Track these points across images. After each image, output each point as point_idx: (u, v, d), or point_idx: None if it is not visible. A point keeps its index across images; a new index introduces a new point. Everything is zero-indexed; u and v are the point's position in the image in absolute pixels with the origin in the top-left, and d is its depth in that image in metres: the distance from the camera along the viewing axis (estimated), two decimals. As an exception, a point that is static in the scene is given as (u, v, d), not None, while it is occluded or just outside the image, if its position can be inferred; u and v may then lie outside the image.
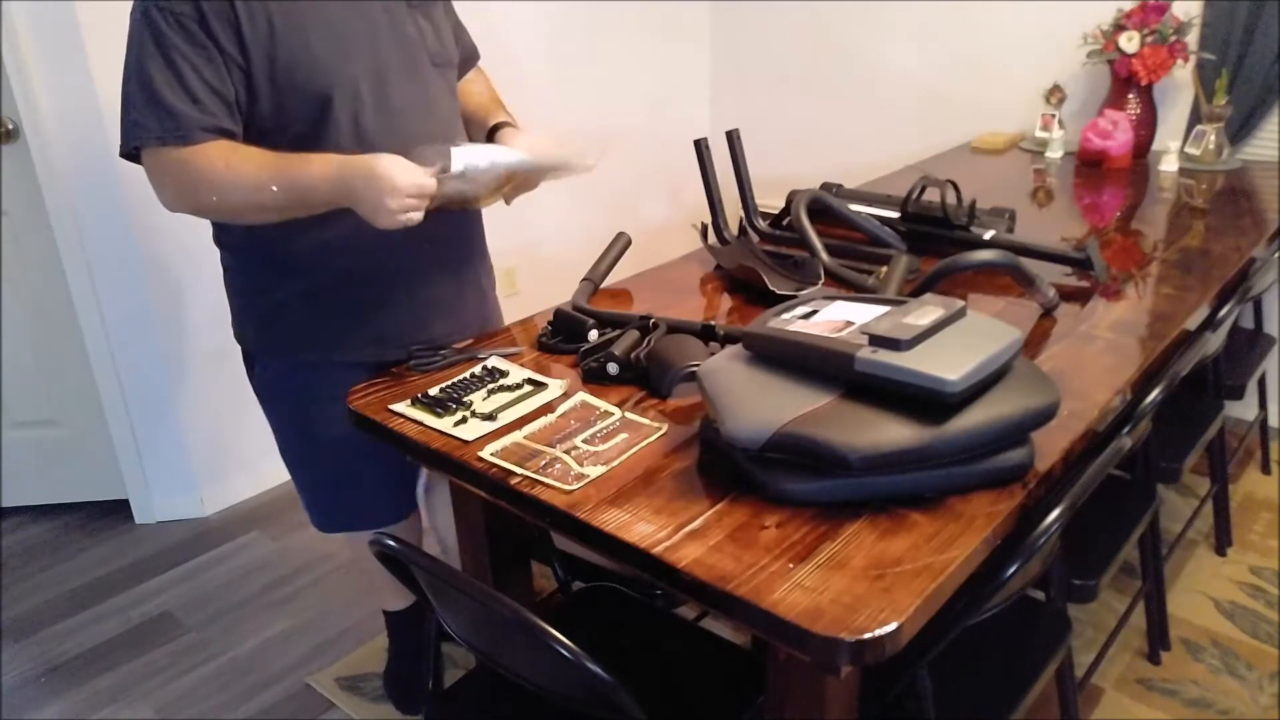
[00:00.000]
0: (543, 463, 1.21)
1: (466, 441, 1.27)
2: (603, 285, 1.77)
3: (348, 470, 1.63)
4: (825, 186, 2.23)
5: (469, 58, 1.70)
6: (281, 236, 1.44)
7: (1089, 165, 2.68)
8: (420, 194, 1.27)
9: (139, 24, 1.31)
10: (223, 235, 1.54)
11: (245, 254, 1.53)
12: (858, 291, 1.67)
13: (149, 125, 1.30)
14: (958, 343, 1.13)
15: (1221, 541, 2.35)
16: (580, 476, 1.17)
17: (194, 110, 1.30)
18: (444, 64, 1.55)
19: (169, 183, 1.36)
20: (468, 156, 1.34)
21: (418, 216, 1.30)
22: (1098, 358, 1.46)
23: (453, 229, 1.57)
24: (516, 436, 1.27)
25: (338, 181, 1.28)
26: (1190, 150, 2.66)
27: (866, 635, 0.90)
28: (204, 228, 2.48)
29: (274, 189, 1.30)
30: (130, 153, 1.36)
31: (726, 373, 1.20)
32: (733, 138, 2.05)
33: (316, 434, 1.59)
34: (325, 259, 1.48)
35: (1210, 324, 1.74)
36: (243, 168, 1.31)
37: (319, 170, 1.30)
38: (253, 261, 1.53)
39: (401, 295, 1.53)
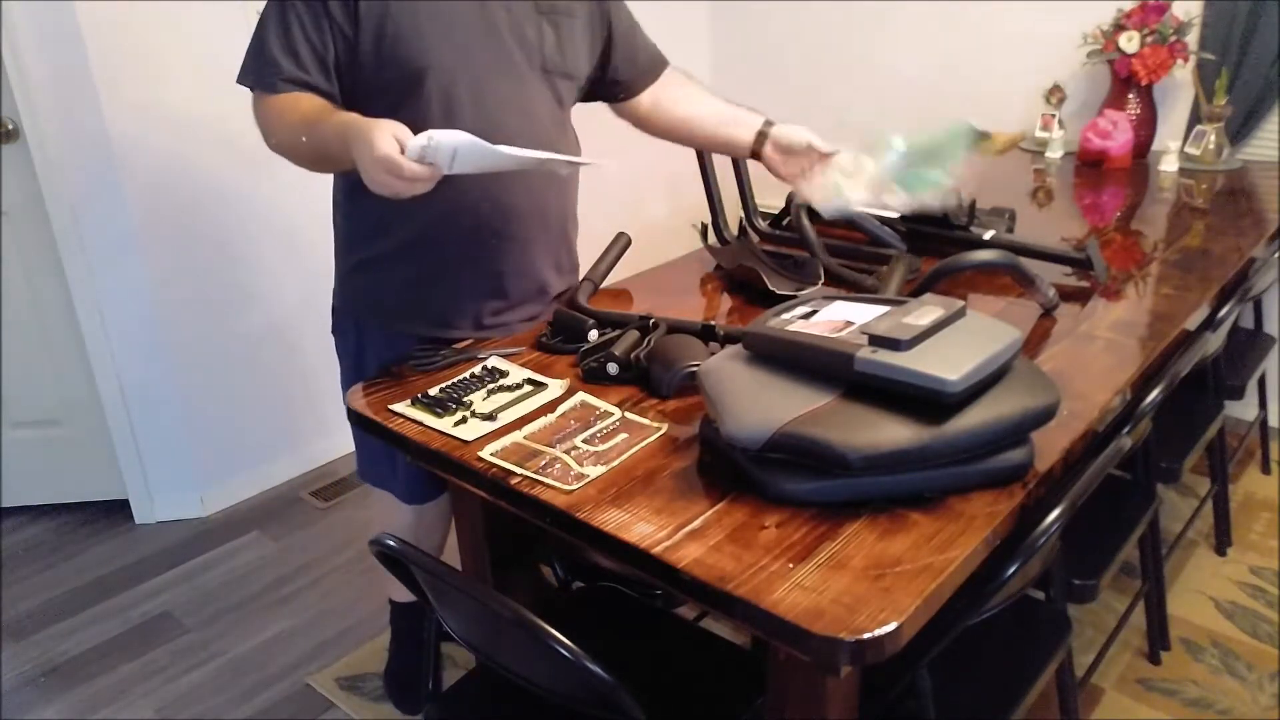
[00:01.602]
0: (543, 463, 1.21)
1: (466, 441, 1.27)
2: (603, 285, 1.77)
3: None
4: (825, 186, 2.23)
5: (652, 68, 1.73)
6: (368, 200, 1.48)
7: (1089, 165, 2.67)
8: (391, 170, 1.20)
9: None
10: (335, 195, 1.62)
11: (345, 215, 1.61)
12: (858, 291, 1.67)
13: (250, 70, 1.42)
14: (958, 343, 1.13)
15: (1221, 541, 2.35)
16: (580, 476, 1.17)
17: (290, 64, 1.39)
18: (556, 72, 1.55)
19: (259, 125, 1.45)
20: (442, 142, 1.20)
21: (404, 189, 1.23)
22: (1098, 358, 1.46)
23: (524, 226, 1.57)
24: (516, 436, 1.27)
25: (344, 139, 1.28)
26: (1190, 150, 2.66)
27: (866, 635, 0.90)
28: (202, 228, 2.49)
29: (303, 139, 1.37)
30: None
31: (726, 373, 1.20)
32: (733, 138, 2.05)
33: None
34: (396, 226, 1.53)
35: (1210, 324, 1.74)
36: (291, 116, 1.38)
37: (337, 125, 1.32)
38: (346, 222, 1.61)
39: (460, 280, 1.56)
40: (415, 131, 1.29)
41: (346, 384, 1.69)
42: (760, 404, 1.12)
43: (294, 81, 1.40)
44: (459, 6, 1.44)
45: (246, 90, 1.45)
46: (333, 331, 1.70)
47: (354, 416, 1.39)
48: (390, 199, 1.47)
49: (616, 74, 1.68)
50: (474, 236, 1.54)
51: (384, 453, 1.69)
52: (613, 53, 1.65)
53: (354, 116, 1.32)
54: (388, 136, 1.21)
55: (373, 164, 1.21)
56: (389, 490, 1.75)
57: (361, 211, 1.55)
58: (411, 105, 1.43)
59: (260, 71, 1.40)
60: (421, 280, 1.56)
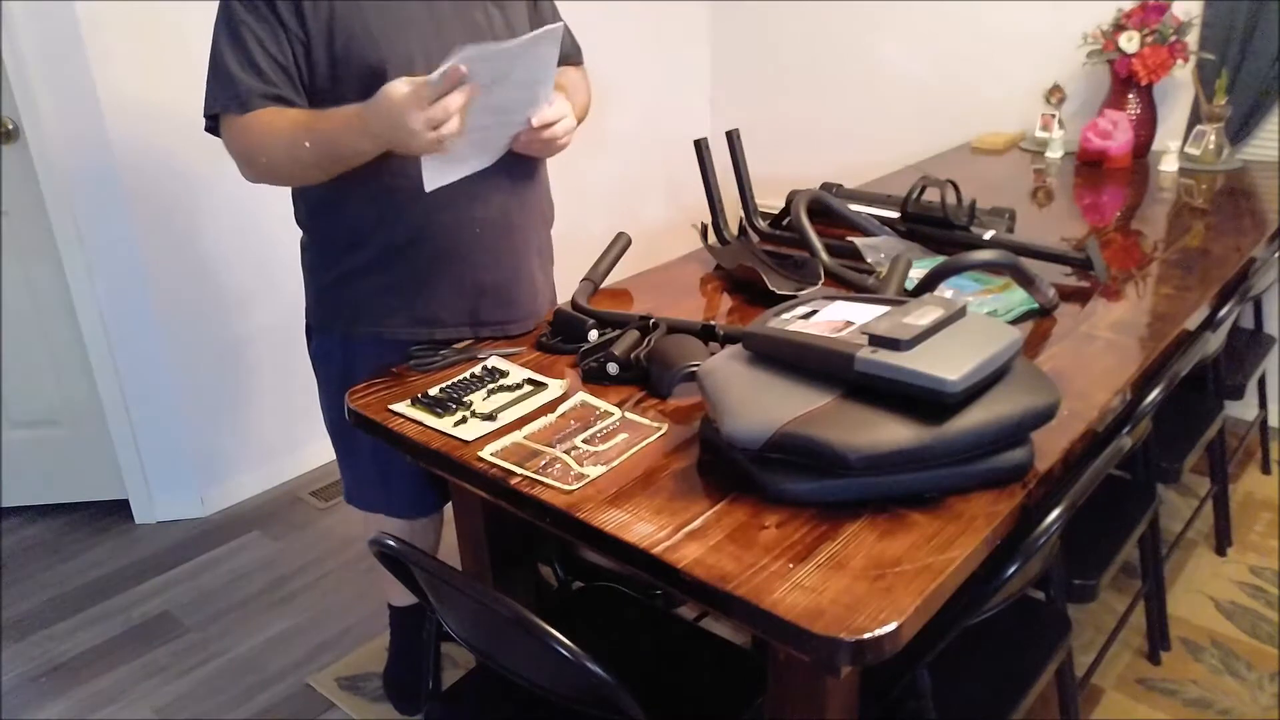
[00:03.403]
0: (543, 463, 1.21)
1: (466, 441, 1.27)
2: (603, 285, 1.77)
3: (377, 452, 1.63)
4: (825, 186, 2.23)
5: (565, 56, 1.69)
6: (339, 213, 1.52)
7: (1089, 165, 2.67)
8: (419, 100, 1.21)
9: (220, 6, 1.41)
10: (297, 214, 1.61)
11: (312, 231, 1.60)
12: (858, 291, 1.67)
13: (216, 95, 1.40)
14: (958, 343, 1.13)
15: (1221, 541, 2.35)
16: (580, 476, 1.17)
17: (255, 80, 1.38)
18: None
19: (235, 150, 1.44)
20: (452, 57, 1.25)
21: (452, 126, 1.24)
22: (1098, 358, 1.46)
23: (505, 215, 1.58)
24: (516, 436, 1.27)
25: (358, 122, 1.30)
26: (1190, 150, 2.66)
27: (866, 635, 0.90)
28: (202, 228, 2.49)
29: (306, 144, 1.36)
30: (211, 126, 1.45)
31: (726, 373, 1.20)
32: (733, 138, 2.05)
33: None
34: (375, 235, 1.52)
35: (1210, 324, 1.73)
36: (281, 126, 1.38)
37: (341, 118, 1.34)
38: (317, 238, 1.60)
39: (448, 278, 1.55)
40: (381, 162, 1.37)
41: (330, 400, 1.66)
42: (760, 404, 1.12)
43: (267, 97, 1.39)
44: (406, 5, 1.44)
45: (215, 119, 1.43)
46: (310, 351, 1.68)
47: (353, 417, 1.39)
48: (365, 210, 1.49)
49: None
50: (455, 230, 1.53)
51: (375, 475, 1.68)
52: None
53: (358, 104, 1.32)
54: (400, 82, 1.23)
55: (402, 108, 1.22)
56: (380, 512, 1.73)
57: (334, 225, 1.55)
58: None
59: (228, 94, 1.38)
60: (409, 283, 1.54)
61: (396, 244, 1.52)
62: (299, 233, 1.63)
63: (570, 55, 1.72)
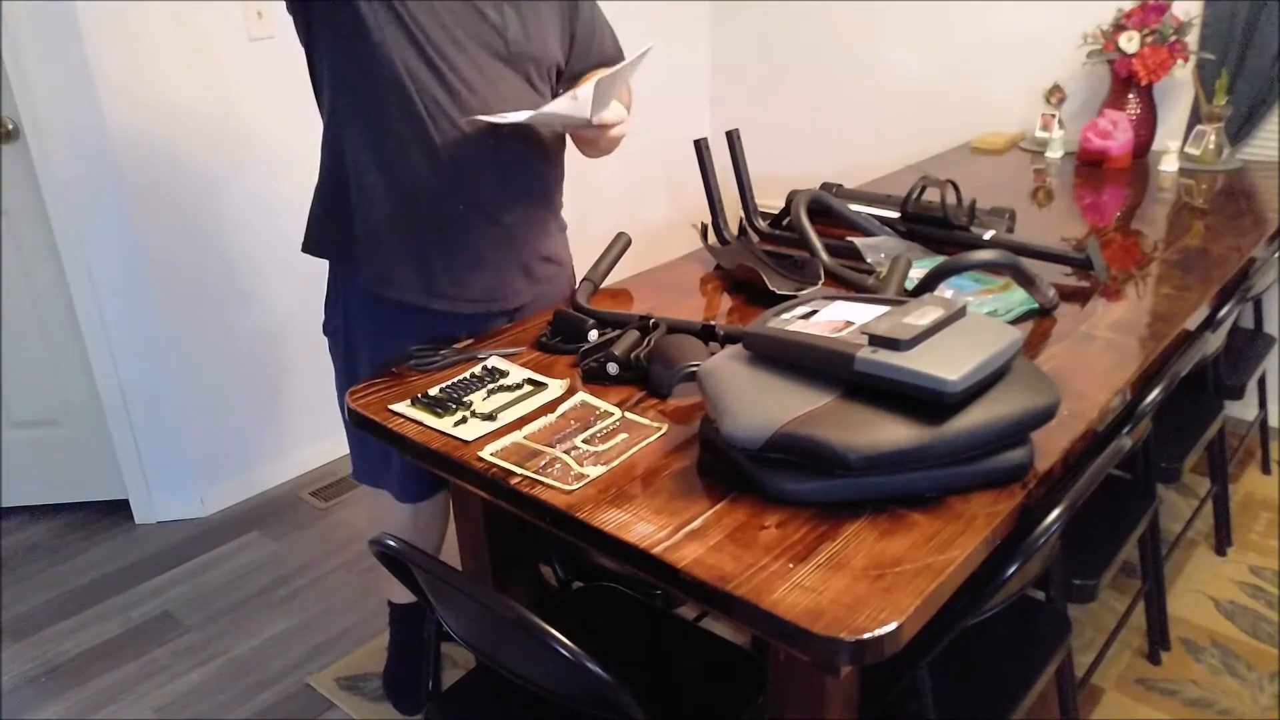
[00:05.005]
0: (543, 463, 1.21)
1: (466, 441, 1.27)
2: (603, 285, 1.77)
3: None
4: (825, 186, 2.23)
5: (603, 62, 1.71)
6: (343, 152, 1.54)
7: (1089, 165, 2.68)
8: None
9: None
10: (322, 153, 1.61)
11: (327, 179, 1.60)
12: (858, 291, 1.67)
13: None
14: (958, 343, 1.13)
15: (1221, 541, 2.35)
16: (580, 476, 1.17)
17: None
18: (522, 54, 1.56)
19: None
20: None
21: None
22: (1098, 358, 1.46)
23: (507, 203, 1.58)
24: (516, 436, 1.27)
25: None
26: (1190, 150, 2.66)
27: (866, 635, 0.90)
28: (202, 228, 2.49)
29: None
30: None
31: (726, 373, 1.20)
32: (733, 138, 2.05)
33: (358, 374, 1.64)
34: (379, 194, 1.53)
35: (1210, 324, 1.74)
36: None
37: None
38: (326, 188, 1.60)
39: (443, 249, 1.56)
40: (378, 121, 1.45)
41: (341, 380, 1.70)
42: (760, 404, 1.12)
43: None
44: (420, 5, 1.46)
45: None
46: (323, 329, 1.70)
47: (354, 416, 1.39)
48: (362, 151, 1.51)
49: (564, 65, 1.68)
50: (455, 216, 1.54)
51: (379, 452, 1.69)
52: (573, 46, 1.66)
53: None
54: None
55: None
56: (385, 489, 1.75)
57: (338, 162, 1.56)
58: (372, 90, 1.45)
59: None
60: (412, 250, 1.55)
61: (395, 210, 1.53)
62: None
63: (615, 59, 1.73)
